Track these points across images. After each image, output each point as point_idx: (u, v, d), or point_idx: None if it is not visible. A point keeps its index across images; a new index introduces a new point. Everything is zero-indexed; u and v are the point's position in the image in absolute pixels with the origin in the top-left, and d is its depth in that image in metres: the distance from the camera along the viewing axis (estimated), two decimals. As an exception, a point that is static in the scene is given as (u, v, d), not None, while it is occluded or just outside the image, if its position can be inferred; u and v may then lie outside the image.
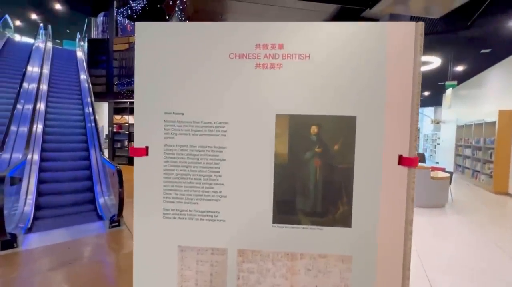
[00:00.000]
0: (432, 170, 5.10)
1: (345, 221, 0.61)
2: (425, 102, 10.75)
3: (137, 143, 0.63)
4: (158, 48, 0.62)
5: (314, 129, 0.60)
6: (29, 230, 3.75)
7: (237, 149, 0.62)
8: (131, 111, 8.81)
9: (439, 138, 9.87)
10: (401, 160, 0.59)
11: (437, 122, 10.29)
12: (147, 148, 0.64)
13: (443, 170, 5.53)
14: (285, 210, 0.62)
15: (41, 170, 4.90)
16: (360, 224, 0.61)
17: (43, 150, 5.07)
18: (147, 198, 0.64)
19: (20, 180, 3.52)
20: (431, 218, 4.16)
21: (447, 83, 6.26)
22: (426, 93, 9.62)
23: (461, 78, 7.12)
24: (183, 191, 0.64)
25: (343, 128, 0.60)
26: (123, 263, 2.75)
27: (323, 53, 0.60)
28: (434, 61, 5.08)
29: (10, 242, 3.01)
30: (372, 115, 0.59)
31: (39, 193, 4.52)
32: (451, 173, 5.13)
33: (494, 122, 5.61)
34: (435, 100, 10.05)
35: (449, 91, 5.77)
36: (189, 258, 0.64)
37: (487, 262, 2.79)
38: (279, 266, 0.63)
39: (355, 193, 0.60)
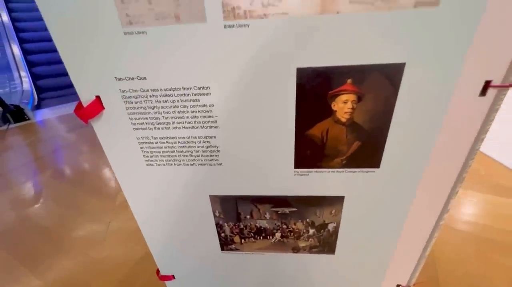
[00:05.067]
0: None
1: None
2: None
3: None
4: None
5: None
6: (38, 107, 3.75)
7: None
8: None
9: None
10: None
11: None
12: None
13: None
14: None
15: (27, 52, 4.47)
16: None
17: (21, 41, 4.45)
18: None
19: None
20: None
21: None
22: None
23: None
24: None
25: None
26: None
27: None
28: None
29: (20, 114, 3.01)
30: None
31: (34, 76, 4.30)
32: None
33: None
34: None
35: None
36: None
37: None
38: None
39: None
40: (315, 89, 0.40)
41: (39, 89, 4.07)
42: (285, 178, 0.51)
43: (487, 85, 0.38)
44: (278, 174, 0.50)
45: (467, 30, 0.34)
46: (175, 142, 0.48)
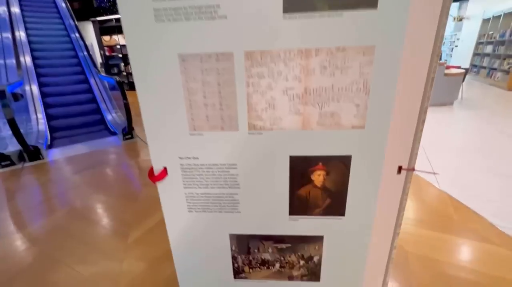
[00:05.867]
0: (447, 68, 4.81)
1: (370, 0, 0.51)
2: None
3: None
4: None
5: None
6: (50, 147, 3.99)
7: None
8: (119, 30, 8.01)
9: (458, 39, 8.99)
10: None
11: (460, 19, 9.15)
12: None
13: (458, 67, 5.20)
14: (298, -6, 0.51)
15: (47, 106, 4.79)
16: (387, 3, 0.51)
17: (42, 89, 4.85)
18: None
19: (22, 96, 3.49)
20: (437, 114, 4.15)
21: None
22: (454, -19, 8.20)
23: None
24: (173, -17, 0.52)
25: None
26: (142, 164, 2.97)
27: None
28: None
29: (36, 154, 3.23)
30: None
31: (49, 117, 4.58)
32: (466, 69, 4.83)
33: (528, 7, 4.90)
34: (462, -8, 8.67)
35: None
36: (192, 68, 0.59)
37: (485, 143, 2.89)
38: (291, 67, 0.57)
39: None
40: (301, 168, 0.67)
41: (53, 138, 4.35)
42: (283, 222, 0.75)
43: (400, 168, 0.66)
44: (278, 219, 0.75)
45: (382, 140, 0.63)
46: (210, 197, 0.73)
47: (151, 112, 0.64)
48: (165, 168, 0.71)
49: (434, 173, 0.65)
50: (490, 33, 6.47)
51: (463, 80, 4.64)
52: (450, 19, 9.97)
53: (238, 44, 0.56)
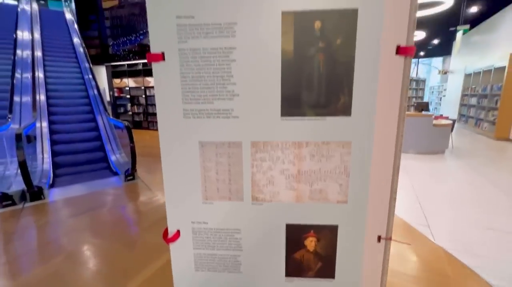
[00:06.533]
0: (435, 119, 5.14)
1: (346, 110, 0.68)
2: (433, 52, 10.28)
3: (153, 49, 0.69)
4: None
5: (317, 24, 0.64)
6: (52, 186, 4.03)
7: (246, 49, 0.67)
8: (130, 74, 8.66)
9: (445, 89, 9.69)
10: (399, 50, 0.64)
11: (444, 72, 9.97)
12: (163, 53, 0.69)
13: (446, 118, 5.55)
14: (292, 104, 0.69)
15: (53, 142, 4.95)
16: (359, 112, 0.68)
17: (50, 122, 5.06)
18: (167, 100, 0.72)
19: (35, 138, 3.67)
20: (429, 163, 4.32)
21: (458, 27, 5.94)
22: (435, 41, 9.14)
23: (474, 22, 6.71)
24: (199, 92, 0.71)
25: (345, 22, 0.64)
26: (142, 208, 3.01)
27: None
28: (446, 1, 4.73)
29: (37, 194, 3.27)
30: (372, 6, 0.62)
31: (55, 165, 4.63)
32: (454, 121, 5.15)
33: (503, 68, 5.44)
34: (444, 50, 9.62)
35: (459, 34, 5.50)
36: (209, 152, 0.74)
37: (478, 195, 2.99)
38: (287, 154, 0.73)
39: (355, 84, 0.66)
40: (295, 234, 0.79)
41: (55, 176, 4.41)
42: (279, 283, 0.83)
43: (379, 237, 0.77)
44: (275, 280, 0.83)
45: (363, 213, 0.75)
46: (215, 257, 0.83)
47: (172, 184, 0.78)
48: (178, 231, 0.81)
49: (408, 244, 0.75)
50: (473, 86, 7.02)
51: (451, 130, 4.93)
52: (435, 71, 10.86)
53: (246, 136, 0.73)
